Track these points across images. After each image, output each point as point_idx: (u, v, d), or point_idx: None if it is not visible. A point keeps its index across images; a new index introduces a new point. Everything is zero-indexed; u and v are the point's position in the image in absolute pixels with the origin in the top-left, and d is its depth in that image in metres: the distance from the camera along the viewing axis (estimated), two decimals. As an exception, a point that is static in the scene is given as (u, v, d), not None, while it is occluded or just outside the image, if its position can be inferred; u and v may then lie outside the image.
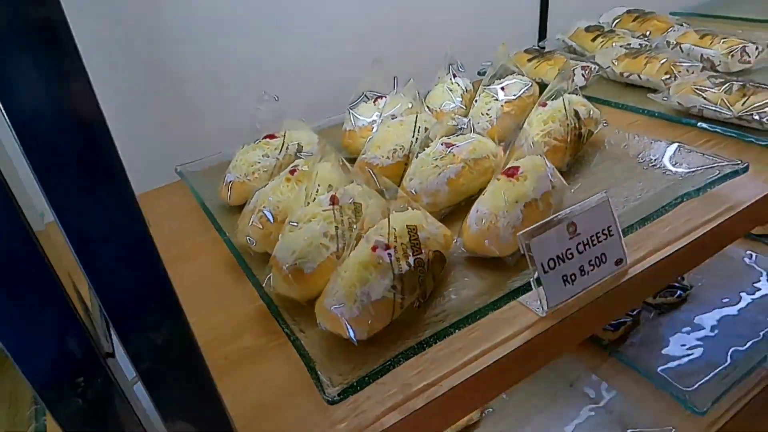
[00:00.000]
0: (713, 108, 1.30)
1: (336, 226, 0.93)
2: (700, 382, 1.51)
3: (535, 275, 0.83)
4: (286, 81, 1.57)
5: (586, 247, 0.88)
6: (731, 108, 1.28)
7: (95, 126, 0.38)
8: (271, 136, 1.28)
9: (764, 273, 1.89)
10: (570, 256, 0.86)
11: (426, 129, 1.26)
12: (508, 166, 1.01)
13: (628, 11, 1.99)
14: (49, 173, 0.38)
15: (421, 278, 0.86)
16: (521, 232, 0.82)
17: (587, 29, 1.85)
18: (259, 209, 1.04)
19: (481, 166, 1.12)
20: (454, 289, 0.92)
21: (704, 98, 1.33)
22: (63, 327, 0.43)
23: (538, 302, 0.86)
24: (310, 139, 1.31)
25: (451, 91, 1.43)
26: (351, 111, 1.39)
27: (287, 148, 1.25)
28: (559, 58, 1.65)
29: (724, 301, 1.79)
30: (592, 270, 0.89)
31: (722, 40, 1.63)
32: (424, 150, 1.13)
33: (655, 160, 1.19)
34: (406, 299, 0.84)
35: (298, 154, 1.25)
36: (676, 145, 1.17)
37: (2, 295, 0.39)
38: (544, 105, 1.23)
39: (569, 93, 1.23)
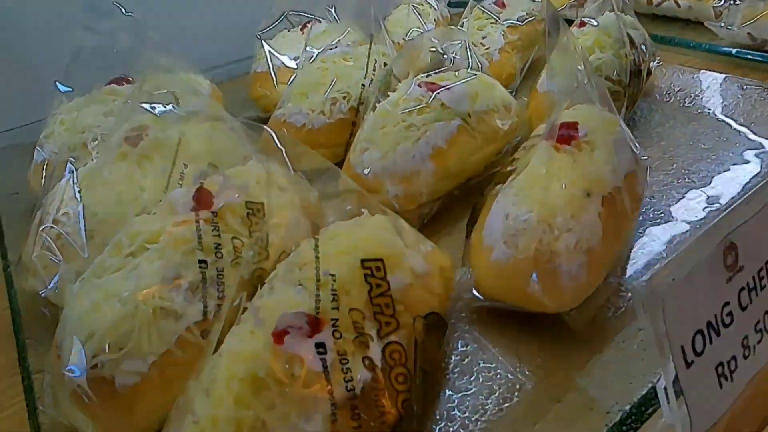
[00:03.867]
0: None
1: (201, 263, 0.39)
2: None
3: (670, 370, 0.33)
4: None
5: (752, 294, 0.39)
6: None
7: None
8: (120, 81, 0.71)
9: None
10: (728, 319, 0.37)
11: (385, 64, 0.72)
12: (558, 123, 0.49)
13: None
14: None
15: (400, 398, 0.34)
16: (637, 280, 0.31)
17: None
18: (57, 219, 0.48)
19: (488, 125, 0.60)
20: (465, 399, 0.41)
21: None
22: None
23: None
24: (193, 86, 0.75)
25: (419, 15, 0.90)
26: (264, 43, 0.83)
27: (149, 101, 0.69)
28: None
29: None
30: (760, 343, 0.39)
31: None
32: (386, 97, 0.60)
33: (754, 118, 0.70)
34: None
35: (166, 110, 0.70)
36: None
37: None
38: (583, 25, 0.71)
39: (618, 10, 0.72)
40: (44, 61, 0.78)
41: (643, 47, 0.72)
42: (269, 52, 0.82)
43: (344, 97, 0.67)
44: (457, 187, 0.59)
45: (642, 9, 1.11)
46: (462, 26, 0.84)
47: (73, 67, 0.67)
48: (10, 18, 0.86)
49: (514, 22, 0.82)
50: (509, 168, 0.51)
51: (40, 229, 0.47)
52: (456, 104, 0.58)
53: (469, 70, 0.62)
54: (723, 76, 0.82)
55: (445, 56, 0.62)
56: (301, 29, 0.86)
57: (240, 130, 0.56)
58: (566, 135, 0.48)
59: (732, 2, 1.00)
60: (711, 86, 0.81)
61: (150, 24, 0.72)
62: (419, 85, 0.58)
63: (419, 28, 0.88)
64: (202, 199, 0.43)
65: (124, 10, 0.68)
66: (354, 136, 0.67)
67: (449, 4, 1.20)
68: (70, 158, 0.64)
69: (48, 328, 0.45)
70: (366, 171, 0.55)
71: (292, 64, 0.81)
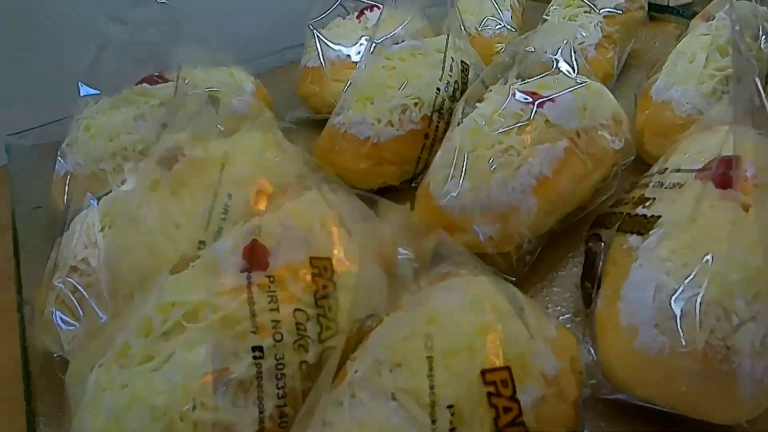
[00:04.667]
0: None
1: (255, 351, 0.29)
2: None
3: None
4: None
5: None
6: None
7: None
8: (154, 79, 0.61)
9: None
10: None
11: (465, 67, 0.60)
12: (719, 157, 0.37)
13: None
14: None
15: None
16: None
17: None
18: (75, 266, 0.38)
19: (598, 145, 0.48)
20: None
21: None
22: None
23: None
24: (234, 84, 0.65)
25: (492, 1, 0.77)
26: (316, 32, 0.72)
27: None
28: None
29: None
30: None
31: None
32: (472, 108, 0.48)
33: None
34: None
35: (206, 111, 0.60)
36: None
37: None
38: (709, 19, 0.58)
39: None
40: (71, 51, 0.69)
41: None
42: (322, 43, 0.71)
43: (415, 104, 0.55)
44: (559, 221, 0.48)
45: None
46: (548, 14, 0.71)
47: (99, 64, 0.57)
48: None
49: (612, 10, 0.69)
50: (640, 210, 0.39)
51: (55, 279, 0.37)
52: (563, 121, 0.46)
53: (574, 75, 0.49)
54: None
55: (549, 59, 0.50)
56: (357, 17, 0.74)
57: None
58: (727, 175, 0.36)
59: None
60: None
61: (185, 12, 0.62)
62: (518, 93, 0.46)
63: (495, 16, 0.75)
64: (255, 257, 0.32)
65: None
66: (426, 150, 0.56)
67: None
68: (99, 169, 0.55)
69: (62, 393, 0.36)
70: (451, 204, 0.43)
71: (348, 57, 0.70)
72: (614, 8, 0.69)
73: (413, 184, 0.57)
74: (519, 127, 0.44)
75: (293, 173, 0.46)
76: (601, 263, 0.41)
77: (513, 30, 0.76)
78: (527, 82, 0.48)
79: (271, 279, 0.32)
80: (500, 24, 0.75)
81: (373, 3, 0.75)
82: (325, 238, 0.35)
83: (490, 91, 0.49)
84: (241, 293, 0.31)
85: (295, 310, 0.32)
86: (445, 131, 0.58)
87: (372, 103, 0.55)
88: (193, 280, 0.32)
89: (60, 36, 0.74)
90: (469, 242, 0.43)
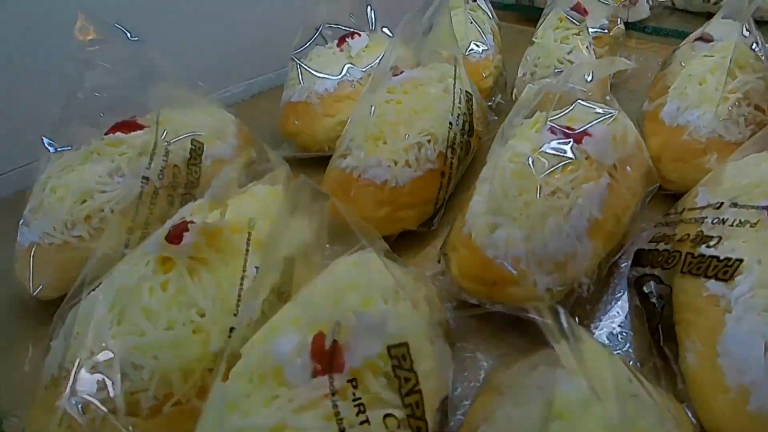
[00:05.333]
0: None
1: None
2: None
3: None
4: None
5: None
6: None
7: None
8: (127, 126, 0.53)
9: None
10: None
11: (469, 97, 0.57)
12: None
13: None
14: None
15: None
16: None
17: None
18: (83, 378, 0.31)
19: (629, 176, 0.46)
20: None
21: None
22: None
23: None
24: (216, 126, 0.58)
25: (475, 24, 0.74)
26: (299, 62, 0.66)
27: (166, 152, 0.51)
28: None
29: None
30: None
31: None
32: (503, 146, 0.44)
33: None
34: None
35: (191, 164, 0.52)
36: None
37: None
38: (709, 40, 0.57)
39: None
40: (36, 100, 0.59)
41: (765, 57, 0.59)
42: (303, 71, 0.65)
43: (429, 140, 0.51)
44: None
45: (694, 7, 0.99)
46: (536, 37, 0.69)
47: (68, 113, 0.48)
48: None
49: (598, 30, 0.68)
50: (705, 250, 0.36)
51: (60, 400, 0.29)
52: (603, 156, 0.43)
53: (602, 107, 0.47)
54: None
55: (571, 88, 0.47)
56: (338, 45, 0.69)
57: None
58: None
59: None
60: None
61: (158, 47, 0.54)
62: (553, 131, 0.43)
63: (479, 40, 0.72)
64: (329, 357, 0.26)
65: (129, 35, 0.50)
66: (443, 190, 0.52)
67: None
68: (72, 237, 0.47)
69: None
70: (502, 255, 0.39)
71: (336, 89, 0.65)
72: (599, 28, 0.68)
73: (432, 227, 0.52)
74: (563, 166, 0.41)
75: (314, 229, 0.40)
76: (662, 308, 0.39)
77: (497, 53, 0.74)
78: (556, 116, 0.45)
79: (354, 383, 0.26)
80: (485, 47, 0.72)
81: (353, 30, 0.70)
82: (395, 318, 0.30)
83: (521, 125, 0.45)
84: (322, 406, 0.25)
85: (385, 416, 0.26)
86: (458, 167, 0.54)
87: (385, 143, 0.50)
88: (257, 395, 0.26)
89: (25, 83, 0.63)
90: (526, 295, 0.39)
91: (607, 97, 0.51)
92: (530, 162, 0.41)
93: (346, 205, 0.50)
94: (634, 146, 0.48)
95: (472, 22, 0.73)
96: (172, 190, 0.52)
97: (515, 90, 0.68)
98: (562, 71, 0.64)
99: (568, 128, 0.43)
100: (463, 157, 0.55)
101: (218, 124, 0.59)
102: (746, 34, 0.55)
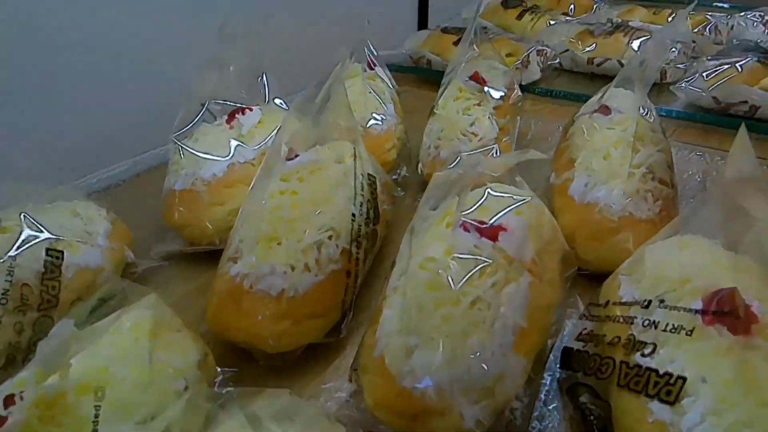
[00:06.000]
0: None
1: None
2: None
3: None
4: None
5: None
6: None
7: None
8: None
9: None
10: None
11: (372, 180, 0.51)
12: (718, 294, 0.32)
13: (537, -15, 1.45)
14: None
15: None
16: None
17: (506, 4, 1.25)
18: None
19: (548, 267, 0.42)
20: None
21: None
22: None
23: None
24: (81, 228, 0.48)
25: (374, 93, 0.70)
26: (181, 145, 0.58)
27: (10, 268, 0.41)
28: (501, 39, 1.01)
29: None
30: None
31: (689, 14, 1.14)
32: (414, 245, 0.39)
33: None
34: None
35: (47, 280, 0.43)
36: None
37: None
38: (608, 112, 0.56)
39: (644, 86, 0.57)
40: None
41: (661, 129, 0.59)
42: (186, 154, 0.57)
43: (330, 237, 0.44)
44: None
45: (577, 66, 1.03)
46: (437, 107, 0.66)
47: None
48: None
49: (497, 100, 0.66)
50: (640, 359, 0.32)
51: None
52: (521, 251, 0.39)
53: (514, 192, 0.43)
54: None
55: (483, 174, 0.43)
56: (227, 121, 0.62)
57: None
58: (740, 318, 0.31)
59: (687, 63, 0.95)
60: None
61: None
62: (466, 228, 0.38)
63: (378, 110, 0.68)
64: None
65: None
66: (350, 292, 0.45)
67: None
68: None
69: None
70: (422, 386, 0.33)
71: (225, 173, 0.57)
72: (499, 97, 0.67)
73: (341, 335, 0.45)
74: (480, 269, 0.36)
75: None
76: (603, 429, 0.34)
77: (399, 122, 0.70)
78: (467, 210, 0.40)
79: None
80: (387, 117, 0.68)
81: (243, 105, 0.63)
82: None
83: (430, 220, 0.40)
84: None
85: None
86: (366, 260, 0.48)
87: (279, 245, 0.43)
88: None
89: None
90: (453, 428, 0.33)
91: (517, 178, 0.47)
92: (444, 268, 0.36)
93: (238, 319, 0.42)
94: (550, 231, 0.45)
95: (371, 92, 0.69)
96: (20, 315, 0.42)
97: (420, 164, 0.64)
98: (466, 143, 0.61)
99: (481, 222, 0.39)
100: (370, 248, 0.49)
101: (82, 224, 0.49)
102: (641, 104, 0.55)
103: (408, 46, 1.04)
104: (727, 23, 1.13)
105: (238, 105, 0.63)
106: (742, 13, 1.14)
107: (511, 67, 0.93)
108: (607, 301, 0.40)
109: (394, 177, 0.67)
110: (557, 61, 1.03)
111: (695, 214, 0.41)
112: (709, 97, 0.82)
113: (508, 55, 0.97)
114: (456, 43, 0.99)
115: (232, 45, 0.62)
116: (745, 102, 0.80)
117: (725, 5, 1.45)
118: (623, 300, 0.38)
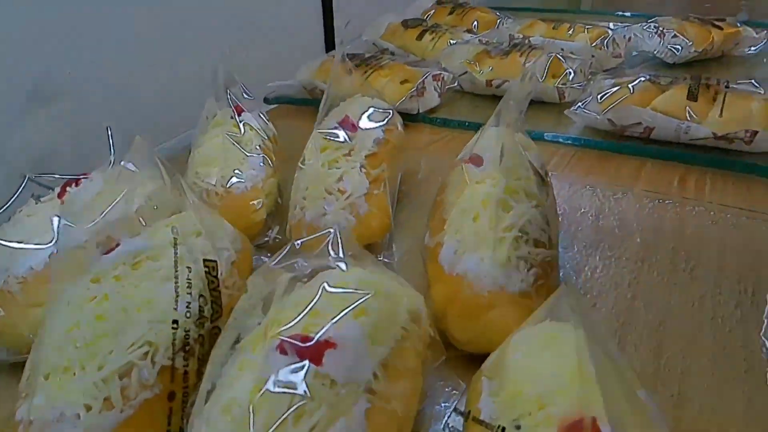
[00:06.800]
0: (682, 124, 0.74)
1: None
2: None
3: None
4: None
5: None
6: (704, 121, 0.74)
7: None
8: None
9: None
10: None
11: (211, 265, 0.43)
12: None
13: (440, 2, 1.40)
14: None
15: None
16: None
17: (405, 24, 1.19)
18: None
19: (401, 373, 0.36)
20: None
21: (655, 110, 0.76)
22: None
23: None
24: None
25: (239, 144, 0.62)
26: (-11, 239, 0.48)
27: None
28: (395, 65, 0.95)
29: None
30: None
31: (586, 28, 1.12)
32: (227, 373, 0.31)
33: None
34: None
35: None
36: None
37: None
38: (479, 162, 0.50)
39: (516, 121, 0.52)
40: None
41: (543, 172, 0.54)
42: (3, 251, 0.48)
43: (145, 355, 0.36)
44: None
45: (477, 89, 0.98)
46: (303, 162, 0.58)
47: None
48: None
49: (372, 147, 0.59)
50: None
51: None
52: (353, 371, 0.32)
53: (354, 287, 0.36)
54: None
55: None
56: (59, 195, 0.53)
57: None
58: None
59: (585, 82, 0.92)
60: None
61: None
62: (283, 350, 0.31)
63: (242, 164, 0.60)
64: None
65: None
66: (176, 416, 0.37)
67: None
68: None
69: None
70: None
71: (49, 264, 0.48)
72: (374, 143, 0.60)
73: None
74: (298, 408, 0.29)
75: None
76: None
77: (269, 175, 0.62)
78: (289, 324, 0.33)
79: None
80: (254, 172, 0.61)
81: (78, 175, 0.54)
82: None
83: (240, 344, 0.33)
84: None
85: None
86: (200, 370, 0.41)
87: (74, 375, 0.34)
88: None
89: None
90: None
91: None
92: (253, 411, 0.29)
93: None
94: (407, 322, 0.38)
95: (234, 144, 0.61)
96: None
97: (288, 226, 0.57)
98: (333, 203, 0.54)
99: (304, 339, 0.32)
100: (209, 351, 0.41)
101: None
102: (510, 146, 0.49)
103: (300, 76, 0.97)
104: (624, 35, 1.12)
105: (73, 176, 0.55)
106: (638, 25, 1.13)
107: (406, 95, 0.88)
108: (468, 412, 0.34)
109: (265, 239, 0.59)
110: (456, 84, 0.98)
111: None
112: (605, 120, 0.79)
113: (404, 81, 0.91)
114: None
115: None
116: (639, 123, 0.77)
117: (627, 14, 1.45)
118: (481, 417, 0.32)
